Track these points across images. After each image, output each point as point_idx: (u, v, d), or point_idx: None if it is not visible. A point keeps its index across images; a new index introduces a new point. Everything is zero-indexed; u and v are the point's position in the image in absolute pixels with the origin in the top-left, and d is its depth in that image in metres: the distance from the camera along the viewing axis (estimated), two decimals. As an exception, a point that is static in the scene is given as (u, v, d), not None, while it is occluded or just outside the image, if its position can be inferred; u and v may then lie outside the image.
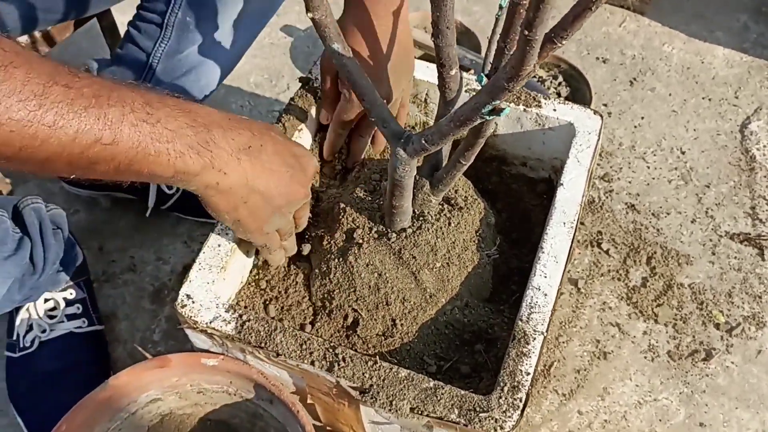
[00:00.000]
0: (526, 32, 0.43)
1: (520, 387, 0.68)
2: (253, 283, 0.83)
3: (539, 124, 0.90)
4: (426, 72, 0.94)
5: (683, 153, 1.26)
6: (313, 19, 0.56)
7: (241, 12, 0.93)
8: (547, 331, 0.72)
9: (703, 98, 1.34)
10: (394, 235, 0.78)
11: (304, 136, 0.87)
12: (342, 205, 0.82)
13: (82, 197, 1.18)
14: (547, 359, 1.04)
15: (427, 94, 0.96)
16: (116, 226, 1.17)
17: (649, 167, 1.24)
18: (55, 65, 0.54)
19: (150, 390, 0.77)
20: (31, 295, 0.92)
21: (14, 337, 0.98)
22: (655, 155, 1.26)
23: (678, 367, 1.03)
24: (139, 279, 1.12)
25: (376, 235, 0.78)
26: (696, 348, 1.05)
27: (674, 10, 1.47)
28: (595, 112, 0.88)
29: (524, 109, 0.89)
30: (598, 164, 1.24)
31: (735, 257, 1.14)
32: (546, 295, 0.74)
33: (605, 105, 1.33)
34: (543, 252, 0.77)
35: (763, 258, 1.13)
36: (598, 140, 0.86)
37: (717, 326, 1.07)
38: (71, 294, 0.99)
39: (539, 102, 0.89)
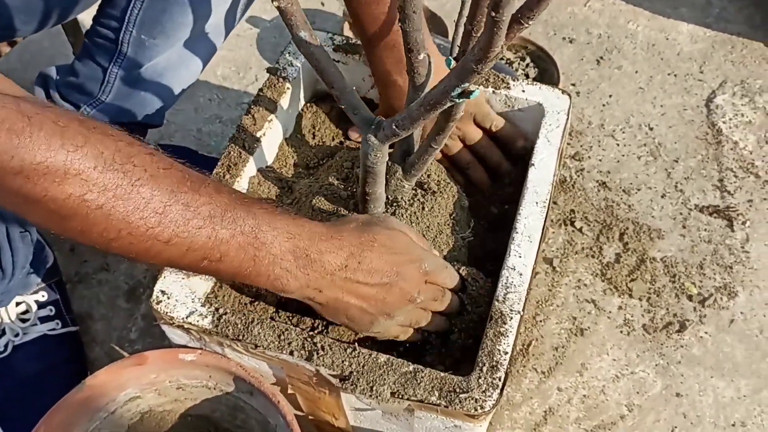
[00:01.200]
0: (494, 13, 0.43)
1: (499, 366, 0.69)
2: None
3: (508, 105, 0.90)
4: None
5: (651, 129, 1.27)
6: (278, 8, 0.55)
7: (198, 29, 0.92)
8: (523, 310, 0.73)
9: (668, 74, 1.35)
10: (368, 221, 0.78)
11: (274, 127, 0.87)
12: (314, 195, 0.81)
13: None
14: (525, 338, 1.05)
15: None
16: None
17: (618, 144, 1.25)
18: (179, 179, 0.58)
19: (128, 388, 0.77)
20: (1, 300, 0.91)
21: (-11, 342, 0.96)
22: (624, 132, 1.27)
23: (653, 339, 1.05)
24: (114, 278, 1.11)
25: (350, 223, 0.78)
26: (670, 320, 1.07)
27: (637, -13, 1.48)
28: (564, 92, 0.88)
29: (493, 91, 0.89)
30: (569, 143, 1.25)
31: (705, 229, 1.15)
32: (521, 274, 0.75)
33: (573, 85, 1.33)
34: (517, 232, 0.78)
35: (732, 229, 1.15)
36: (567, 119, 0.87)
37: (690, 298, 1.09)
38: (43, 296, 0.98)
39: (508, 83, 0.89)
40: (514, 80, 0.89)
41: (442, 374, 0.69)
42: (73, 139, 0.52)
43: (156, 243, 0.57)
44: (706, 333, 1.06)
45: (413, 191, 0.82)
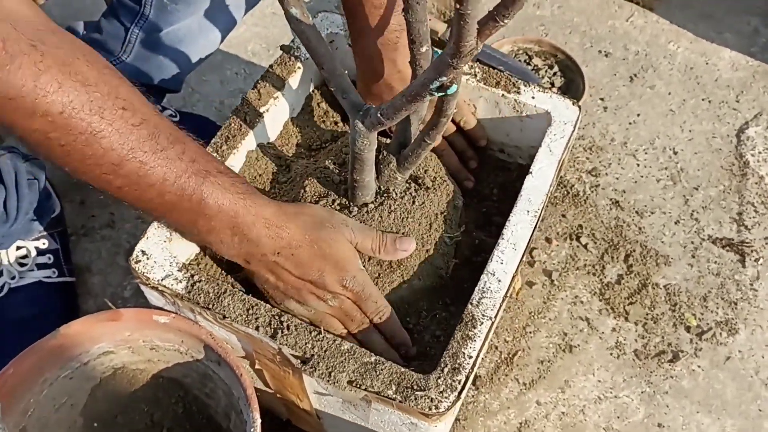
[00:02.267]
0: (458, 6, 0.42)
1: (461, 369, 0.68)
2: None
3: (517, 110, 0.89)
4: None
5: (675, 153, 1.24)
6: (269, -18, 0.56)
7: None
8: (496, 317, 0.72)
9: (703, 99, 1.31)
10: (356, 208, 0.78)
11: (279, 104, 0.87)
12: (309, 176, 0.81)
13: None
14: (511, 348, 1.04)
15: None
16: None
17: (638, 165, 1.23)
18: (144, 138, 0.62)
19: (102, 342, 0.78)
20: (2, 242, 0.94)
21: (-17, 283, 0.99)
22: (646, 153, 1.24)
23: (643, 366, 1.03)
24: (117, 235, 1.13)
25: (338, 207, 0.78)
26: (663, 349, 1.04)
27: (684, 7, 1.44)
28: (574, 103, 0.87)
29: (503, 95, 0.88)
30: (587, 158, 1.23)
31: (715, 262, 1.12)
32: (500, 281, 0.74)
33: (602, 99, 1.31)
34: (503, 239, 0.77)
35: (743, 265, 1.12)
36: (573, 131, 0.85)
37: (688, 329, 1.06)
38: (44, 244, 1.01)
39: (518, 88, 0.88)
40: (525, 85, 0.88)
41: (403, 369, 0.68)
42: (47, 84, 0.55)
43: (108, 185, 0.63)
44: (699, 367, 1.03)
45: (407, 184, 0.81)
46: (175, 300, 0.74)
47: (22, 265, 1.00)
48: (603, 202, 1.18)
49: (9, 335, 0.97)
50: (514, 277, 0.75)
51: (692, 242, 1.14)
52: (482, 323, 0.71)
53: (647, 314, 1.07)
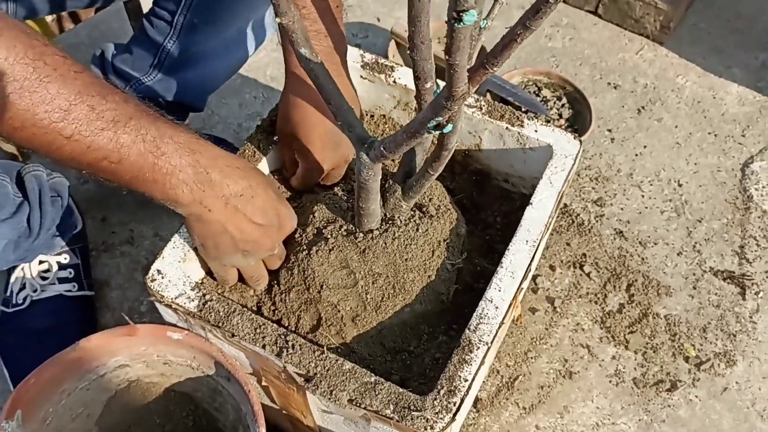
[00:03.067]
0: (447, 57, 0.46)
1: (456, 392, 0.71)
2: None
3: (520, 143, 0.92)
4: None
5: (680, 185, 1.27)
6: (281, 24, 0.60)
7: (244, 23, 0.98)
8: (492, 342, 0.75)
9: (709, 133, 1.34)
10: (362, 235, 0.81)
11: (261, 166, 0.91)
12: (318, 202, 0.85)
13: (93, 169, 1.25)
14: (513, 372, 1.06)
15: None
16: (121, 200, 1.23)
17: (643, 196, 1.25)
18: (88, 83, 0.62)
19: (119, 356, 0.82)
20: (26, 256, 0.98)
21: (8, 293, 1.04)
22: (651, 185, 1.27)
23: (641, 394, 1.05)
24: (136, 252, 1.18)
25: (344, 233, 0.82)
26: (662, 378, 1.06)
27: (693, 42, 1.47)
28: (575, 137, 0.90)
29: (507, 128, 0.92)
30: (593, 188, 1.26)
31: (716, 293, 1.14)
32: (497, 308, 0.77)
33: (610, 130, 1.34)
34: (502, 267, 0.80)
35: (744, 297, 1.14)
36: (574, 164, 0.88)
37: (686, 359, 1.08)
38: (65, 259, 1.05)
39: (522, 122, 0.91)
40: (529, 119, 0.92)
41: (401, 390, 0.71)
42: None
43: (58, 137, 0.61)
44: (696, 397, 1.05)
45: (411, 212, 0.85)
46: (187, 317, 0.78)
47: (44, 278, 1.05)
48: (607, 232, 1.21)
49: (30, 345, 1.01)
50: (511, 304, 0.78)
51: (694, 274, 1.16)
52: (479, 348, 0.74)
53: (647, 343, 1.09)
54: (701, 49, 1.46)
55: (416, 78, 0.71)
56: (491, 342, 0.75)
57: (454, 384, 0.72)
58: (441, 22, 1.41)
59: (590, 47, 1.46)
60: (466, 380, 0.72)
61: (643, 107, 1.37)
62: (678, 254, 1.18)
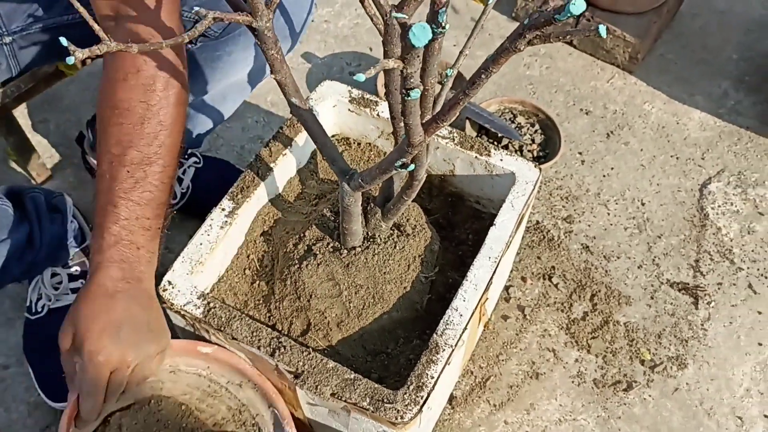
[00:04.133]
0: (404, 117, 0.59)
1: (424, 387, 0.83)
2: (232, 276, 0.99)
3: (488, 170, 1.04)
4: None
5: (643, 204, 1.39)
6: (276, 80, 0.72)
7: (242, 72, 1.11)
8: (455, 345, 0.87)
9: (671, 156, 1.46)
10: (346, 251, 0.94)
11: (287, 160, 1.04)
12: (310, 222, 0.98)
13: (108, 187, 1.37)
14: (485, 373, 1.18)
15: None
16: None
17: (609, 214, 1.37)
18: None
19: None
20: (31, 270, 1.10)
21: (29, 303, 1.16)
22: (617, 203, 1.39)
23: (600, 393, 1.17)
24: (147, 263, 1.30)
25: (331, 249, 0.94)
26: (619, 379, 1.18)
27: (661, 71, 1.59)
28: (536, 166, 1.02)
29: (476, 156, 1.04)
30: (564, 206, 1.38)
31: (671, 303, 1.26)
32: (461, 315, 0.89)
33: (580, 153, 1.46)
34: (467, 280, 0.92)
35: (696, 307, 1.26)
36: (534, 190, 1.00)
37: (642, 362, 1.20)
38: (76, 270, 1.17)
39: (489, 152, 1.04)
40: (495, 150, 1.04)
41: (376, 385, 0.84)
42: None
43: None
44: (650, 396, 1.17)
45: (390, 231, 0.97)
46: (194, 322, 0.90)
47: (56, 289, 1.17)
48: (575, 247, 1.33)
49: (51, 349, 1.13)
50: (474, 312, 0.90)
51: (652, 285, 1.28)
52: (444, 350, 0.86)
53: (607, 348, 1.21)
54: (668, 78, 1.58)
55: (392, 117, 0.83)
56: (455, 345, 0.87)
57: (422, 381, 0.84)
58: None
59: (565, 75, 1.59)
60: (432, 377, 0.84)
61: (612, 132, 1.50)
62: (638, 267, 1.30)
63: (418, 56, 0.52)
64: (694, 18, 1.70)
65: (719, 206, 1.38)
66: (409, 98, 0.55)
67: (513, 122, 1.41)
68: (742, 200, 1.39)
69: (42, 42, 1.03)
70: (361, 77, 0.48)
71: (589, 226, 1.36)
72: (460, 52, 0.86)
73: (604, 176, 1.43)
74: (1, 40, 0.99)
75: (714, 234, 1.35)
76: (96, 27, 0.53)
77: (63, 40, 0.51)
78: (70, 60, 0.51)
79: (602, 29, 0.47)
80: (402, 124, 0.83)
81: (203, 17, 0.58)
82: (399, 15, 0.49)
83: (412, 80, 0.53)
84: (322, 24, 1.67)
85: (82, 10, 0.54)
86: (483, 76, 0.56)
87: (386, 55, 0.73)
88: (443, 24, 0.56)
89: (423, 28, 0.46)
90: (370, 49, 1.64)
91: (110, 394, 0.81)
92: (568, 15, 0.46)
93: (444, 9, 0.55)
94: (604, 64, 1.60)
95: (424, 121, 0.63)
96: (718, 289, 1.28)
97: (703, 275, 1.29)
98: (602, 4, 1.54)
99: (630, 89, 1.57)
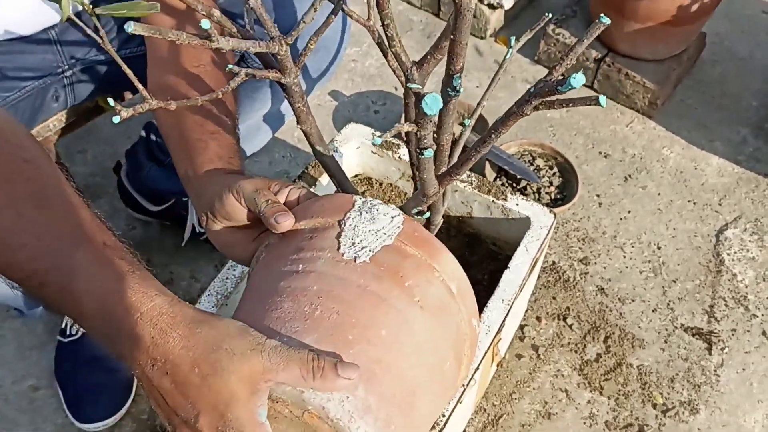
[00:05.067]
0: (418, 172, 0.63)
1: (435, 425, 0.86)
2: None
3: (504, 214, 1.08)
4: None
5: (659, 248, 1.41)
6: (302, 129, 0.77)
7: (276, 107, 1.16)
8: (467, 385, 0.90)
9: (689, 201, 1.48)
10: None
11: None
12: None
13: (140, 219, 1.43)
14: (498, 411, 1.21)
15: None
16: (164, 244, 1.41)
17: (625, 257, 1.40)
18: (29, 195, 0.58)
19: None
20: None
21: (64, 325, 1.22)
22: (633, 246, 1.41)
23: (611, 436, 1.18)
24: (173, 291, 1.34)
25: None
26: (631, 422, 1.20)
27: (680, 117, 1.62)
28: (550, 211, 1.06)
29: (493, 201, 1.07)
30: (580, 248, 1.41)
31: (685, 348, 1.28)
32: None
33: (598, 195, 1.49)
34: (481, 321, 0.95)
35: (710, 352, 1.27)
36: (548, 235, 1.04)
37: (654, 406, 1.21)
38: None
39: (506, 196, 1.07)
40: (511, 194, 1.07)
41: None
42: None
43: None
44: (660, 440, 1.18)
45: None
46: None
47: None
48: (590, 288, 1.35)
49: (83, 370, 1.18)
50: (486, 352, 0.93)
51: (666, 329, 1.30)
52: (456, 390, 0.89)
53: (620, 390, 1.23)
54: (687, 124, 1.61)
55: (411, 164, 0.88)
56: (467, 385, 0.90)
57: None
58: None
59: (585, 119, 1.62)
60: (443, 416, 0.87)
61: (630, 175, 1.52)
62: (653, 311, 1.32)
63: (431, 121, 0.56)
64: (714, 65, 1.73)
65: (735, 252, 1.40)
66: (423, 156, 0.59)
67: (532, 164, 1.44)
68: (758, 247, 1.41)
69: (97, 77, 1.10)
70: (378, 141, 0.52)
71: (604, 268, 1.38)
72: (480, 100, 0.90)
73: (621, 219, 1.45)
74: (63, 73, 1.06)
75: (729, 280, 1.36)
76: (140, 87, 0.58)
77: (110, 101, 0.56)
78: (116, 119, 0.55)
79: (602, 99, 0.51)
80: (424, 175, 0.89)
81: (236, 74, 0.63)
82: (413, 86, 0.53)
83: (425, 141, 0.57)
84: (349, 63, 1.73)
85: (128, 72, 0.59)
86: (493, 135, 0.60)
87: (406, 106, 0.78)
88: (458, 87, 0.60)
89: (435, 98, 0.51)
90: (395, 89, 1.69)
91: None
92: (569, 87, 0.50)
93: (459, 75, 0.59)
94: (624, 108, 1.64)
95: (439, 173, 0.67)
96: (732, 335, 1.29)
97: (718, 321, 1.31)
98: (623, 50, 1.58)
99: (649, 134, 1.60)
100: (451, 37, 0.57)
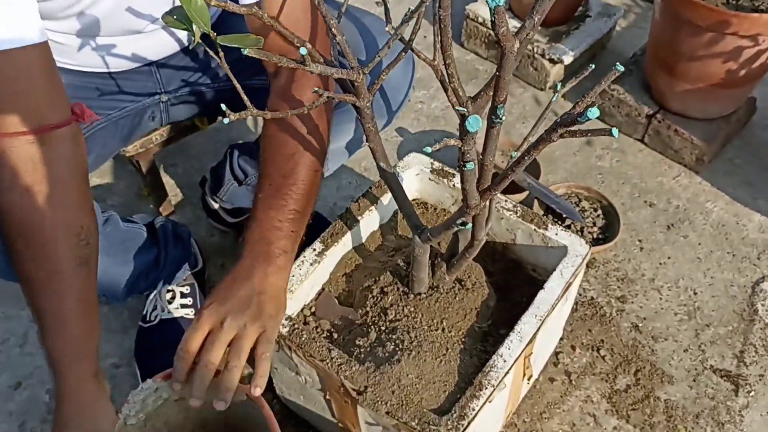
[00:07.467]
0: (461, 184, 0.76)
1: (465, 417, 0.97)
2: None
3: (544, 242, 1.19)
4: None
5: (695, 293, 1.49)
6: (369, 147, 0.91)
7: (335, 145, 1.31)
8: (496, 386, 1.01)
9: (728, 253, 1.56)
10: (413, 296, 1.10)
11: (372, 215, 1.22)
12: (385, 269, 1.15)
13: (219, 228, 1.60)
14: (528, 428, 1.30)
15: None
16: (238, 250, 1.56)
17: (661, 298, 1.48)
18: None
19: None
20: (152, 285, 1.32)
21: (145, 312, 1.38)
22: (670, 290, 1.49)
23: (633, 461, 1.26)
24: (242, 294, 1.50)
25: (401, 292, 1.11)
26: (654, 451, 1.27)
27: (726, 174, 1.71)
28: (587, 242, 1.16)
29: (535, 229, 1.19)
30: (619, 287, 1.50)
31: (712, 387, 1.35)
32: (505, 361, 1.03)
33: (640, 241, 1.58)
34: (513, 332, 1.06)
35: (736, 394, 1.34)
36: (582, 262, 1.14)
37: (677, 438, 1.28)
38: (187, 290, 1.38)
39: (546, 226, 1.19)
40: (552, 225, 1.19)
41: (426, 410, 0.98)
42: None
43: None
44: (681, 470, 1.25)
45: (453, 284, 1.13)
46: (280, 339, 1.08)
47: (170, 303, 1.38)
48: (625, 325, 1.44)
49: (159, 352, 1.34)
50: (517, 359, 1.04)
51: (696, 369, 1.37)
52: (486, 388, 1.00)
53: (645, 420, 1.30)
54: (733, 181, 1.69)
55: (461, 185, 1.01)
56: (496, 386, 1.01)
57: (464, 411, 0.98)
58: (507, 138, 1.71)
59: (633, 169, 1.72)
60: (473, 410, 0.98)
61: (672, 224, 1.61)
62: (684, 351, 1.40)
63: (473, 138, 0.69)
64: (765, 129, 1.81)
65: (770, 304, 1.46)
66: (465, 169, 0.72)
67: (578, 206, 1.55)
68: (793, 301, 1.47)
69: (190, 102, 1.28)
70: (428, 150, 0.65)
71: (641, 307, 1.47)
72: (527, 136, 1.03)
73: (660, 264, 1.54)
74: (160, 98, 1.24)
75: (761, 329, 1.43)
76: (245, 98, 0.74)
77: (223, 106, 0.72)
78: (226, 120, 0.71)
79: (615, 131, 0.63)
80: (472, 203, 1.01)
81: (321, 95, 0.78)
82: (460, 109, 0.67)
83: (468, 155, 0.70)
84: (417, 104, 1.89)
85: (235, 82, 0.75)
86: (526, 157, 0.72)
87: (460, 128, 0.92)
88: (501, 116, 0.73)
89: (476, 119, 0.64)
90: (457, 130, 1.83)
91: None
92: (587, 118, 0.62)
93: (502, 105, 0.73)
94: (672, 162, 1.73)
95: (480, 189, 0.80)
96: (759, 380, 1.35)
97: (746, 366, 1.37)
98: (674, 108, 1.68)
99: (695, 188, 1.68)
100: (497, 73, 0.70)
